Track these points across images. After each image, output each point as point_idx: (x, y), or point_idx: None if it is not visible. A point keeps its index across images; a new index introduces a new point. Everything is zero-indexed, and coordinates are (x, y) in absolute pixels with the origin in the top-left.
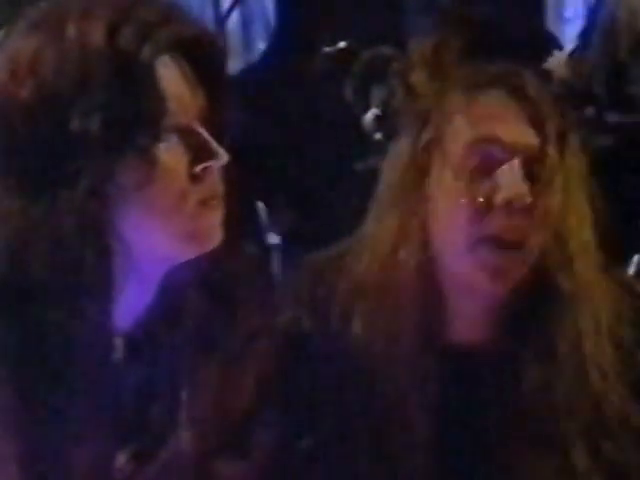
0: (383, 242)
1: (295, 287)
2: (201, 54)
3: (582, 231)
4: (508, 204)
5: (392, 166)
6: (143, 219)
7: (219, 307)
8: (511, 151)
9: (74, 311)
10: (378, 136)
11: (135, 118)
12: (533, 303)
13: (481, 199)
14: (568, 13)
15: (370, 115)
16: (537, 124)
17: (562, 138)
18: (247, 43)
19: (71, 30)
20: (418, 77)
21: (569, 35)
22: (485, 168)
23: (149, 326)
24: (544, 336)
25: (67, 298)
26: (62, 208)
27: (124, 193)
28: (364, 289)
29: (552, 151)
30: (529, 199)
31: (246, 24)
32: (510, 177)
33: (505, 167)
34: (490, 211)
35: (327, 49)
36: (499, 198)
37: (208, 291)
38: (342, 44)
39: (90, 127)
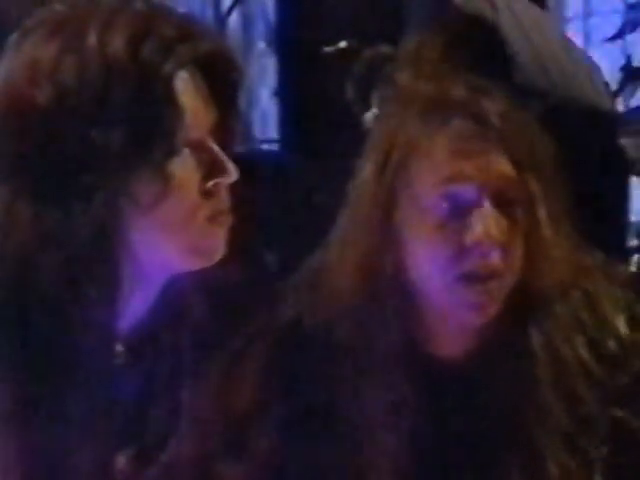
0: (346, 276)
1: (297, 287)
2: (217, 69)
3: (558, 240)
4: (479, 244)
5: (356, 199)
6: (154, 233)
7: (220, 310)
8: (480, 188)
9: (79, 319)
10: None
11: (153, 132)
12: (511, 313)
13: (453, 242)
14: (569, 13)
15: (370, 115)
16: (506, 150)
17: (534, 158)
18: (247, 43)
19: (92, 39)
20: (402, 77)
21: (570, 35)
22: (455, 210)
23: (151, 329)
24: (522, 345)
25: (73, 306)
26: (75, 219)
27: (137, 207)
28: (340, 307)
29: (526, 176)
30: (500, 239)
31: (246, 24)
32: (480, 219)
33: (475, 210)
34: (463, 250)
35: (327, 49)
36: (469, 240)
37: (208, 294)
38: (342, 44)
39: (111, 140)
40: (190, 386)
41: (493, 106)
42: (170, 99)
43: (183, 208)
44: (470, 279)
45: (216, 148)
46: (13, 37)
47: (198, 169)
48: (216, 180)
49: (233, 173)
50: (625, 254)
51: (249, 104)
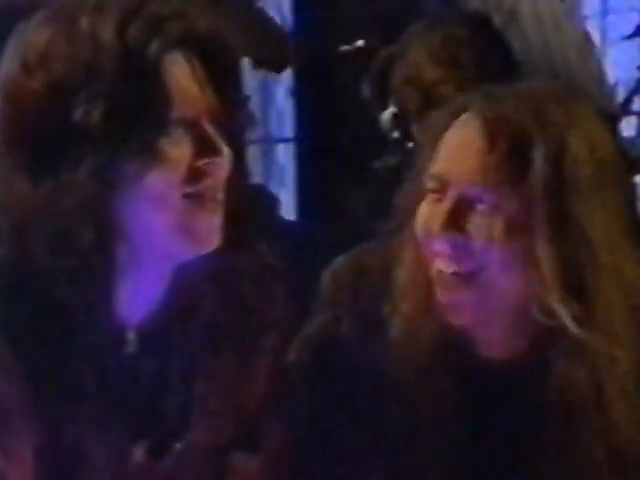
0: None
1: (334, 287)
2: (211, 50)
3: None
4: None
5: (401, 211)
6: (140, 205)
7: (231, 302)
8: (441, 189)
9: (77, 293)
10: (396, 134)
11: (137, 110)
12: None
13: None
14: (586, 11)
15: (387, 113)
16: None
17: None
18: None
19: (84, 23)
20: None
21: None
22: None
23: (162, 320)
24: (560, 351)
25: (70, 279)
26: (63, 191)
27: (125, 180)
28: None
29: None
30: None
31: None
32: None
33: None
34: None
35: (344, 48)
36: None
37: (220, 286)
38: (359, 43)
39: (91, 117)
40: (204, 377)
41: (510, 109)
42: (156, 78)
43: (165, 181)
44: (440, 279)
45: (210, 128)
46: (19, 26)
47: (190, 147)
48: (207, 159)
49: (226, 154)
50: None
51: (265, 102)
